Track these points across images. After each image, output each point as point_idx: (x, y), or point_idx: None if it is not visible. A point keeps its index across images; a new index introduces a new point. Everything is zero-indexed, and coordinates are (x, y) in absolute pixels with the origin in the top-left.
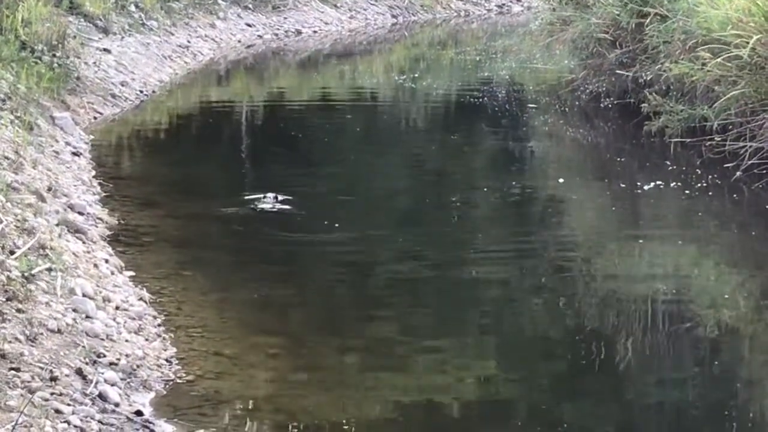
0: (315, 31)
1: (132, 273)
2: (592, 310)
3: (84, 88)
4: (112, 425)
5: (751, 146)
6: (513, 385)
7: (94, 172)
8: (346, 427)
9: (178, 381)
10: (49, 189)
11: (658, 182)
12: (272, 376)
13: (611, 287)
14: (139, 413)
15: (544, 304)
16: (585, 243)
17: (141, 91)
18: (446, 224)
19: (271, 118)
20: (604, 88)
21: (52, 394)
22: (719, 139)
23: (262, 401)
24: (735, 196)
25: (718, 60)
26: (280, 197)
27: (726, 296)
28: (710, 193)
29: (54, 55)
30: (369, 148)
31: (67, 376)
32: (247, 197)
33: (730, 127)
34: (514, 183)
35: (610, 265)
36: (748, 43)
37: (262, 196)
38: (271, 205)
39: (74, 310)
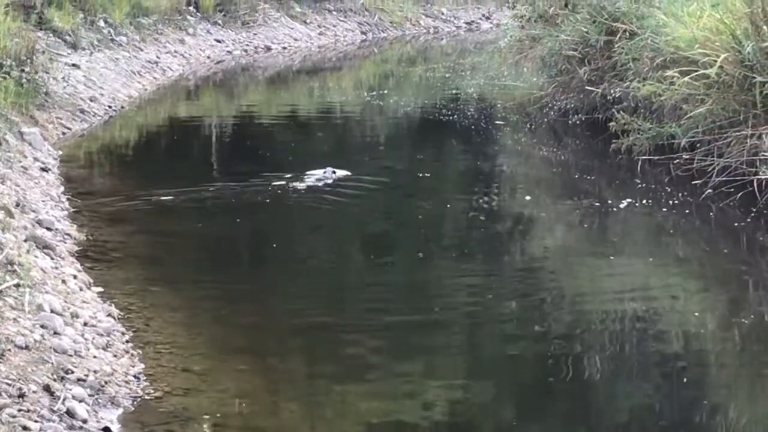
0: (284, 48)
1: (100, 289)
2: (561, 329)
3: (53, 104)
4: None
5: (719, 164)
6: (482, 406)
7: (62, 188)
8: None
9: (147, 397)
10: (17, 204)
11: (627, 200)
12: (241, 393)
13: (580, 306)
14: (107, 430)
15: (512, 324)
16: (553, 261)
17: (110, 107)
18: (412, 243)
19: (239, 135)
20: (572, 105)
21: (19, 410)
22: (687, 156)
23: (230, 418)
24: (704, 213)
25: (686, 79)
26: (336, 171)
27: (696, 314)
28: (679, 211)
29: (22, 71)
30: (336, 165)
31: (34, 392)
32: (216, 213)
33: (698, 144)
34: (480, 201)
35: (578, 284)
36: (715, 61)
37: (321, 171)
38: (319, 182)
39: (42, 327)
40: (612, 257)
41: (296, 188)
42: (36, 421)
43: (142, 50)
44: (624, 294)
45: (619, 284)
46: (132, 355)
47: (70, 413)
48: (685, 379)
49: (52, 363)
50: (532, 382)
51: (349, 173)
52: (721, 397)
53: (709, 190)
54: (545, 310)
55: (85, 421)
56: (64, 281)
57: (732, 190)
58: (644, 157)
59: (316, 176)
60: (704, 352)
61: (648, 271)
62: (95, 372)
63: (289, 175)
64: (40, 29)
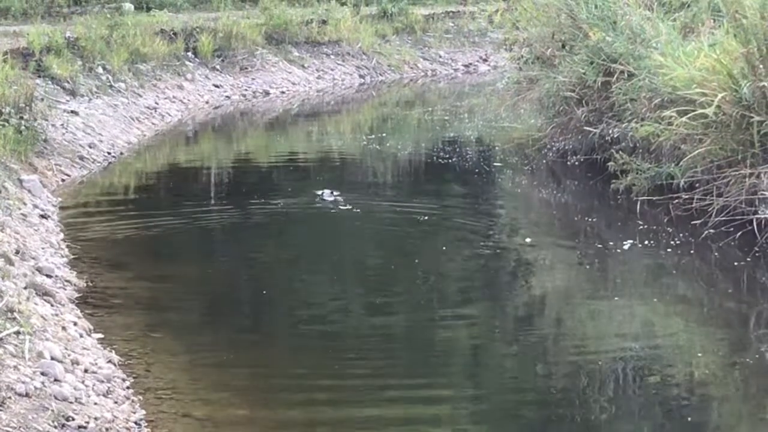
0: (283, 92)
1: (101, 335)
2: (565, 371)
3: (52, 151)
4: None
5: (718, 203)
6: None
7: (62, 235)
8: None
9: None
10: (17, 252)
11: (628, 241)
12: None
13: (583, 348)
14: None
15: (515, 366)
16: (556, 304)
17: (109, 153)
18: (412, 286)
19: (238, 180)
20: (571, 146)
21: None
22: (686, 196)
23: None
24: (704, 253)
25: (684, 119)
26: (335, 193)
27: (699, 354)
28: (680, 252)
29: (21, 118)
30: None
31: None
32: (215, 258)
33: (697, 184)
34: (480, 243)
35: (581, 326)
36: (713, 101)
37: (320, 191)
38: (326, 202)
39: (43, 374)
40: (616, 298)
41: (295, 223)
42: None
43: (140, 96)
44: (627, 336)
45: (622, 326)
46: (133, 401)
47: None
48: (689, 418)
49: (52, 410)
50: (532, 416)
51: (349, 211)
52: None
53: (709, 230)
54: (548, 353)
55: None
56: (64, 328)
57: (731, 229)
58: (643, 198)
59: (315, 199)
60: (708, 393)
61: (650, 313)
62: (96, 419)
63: (285, 215)
64: (39, 76)
